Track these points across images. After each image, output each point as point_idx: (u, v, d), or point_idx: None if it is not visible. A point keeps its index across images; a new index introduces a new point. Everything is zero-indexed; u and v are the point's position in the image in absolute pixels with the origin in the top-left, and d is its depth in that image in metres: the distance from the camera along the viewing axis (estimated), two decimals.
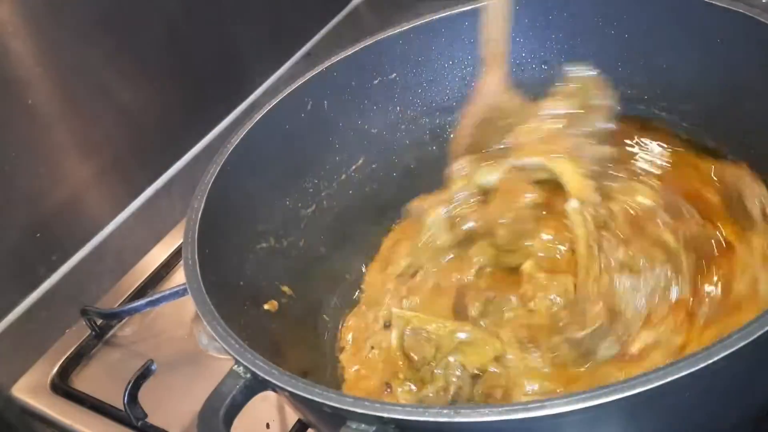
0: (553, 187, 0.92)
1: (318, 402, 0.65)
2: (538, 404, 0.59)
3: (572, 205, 0.89)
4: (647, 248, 0.85)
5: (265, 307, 0.94)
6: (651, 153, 1.03)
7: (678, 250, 0.85)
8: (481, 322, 0.89)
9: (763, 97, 0.93)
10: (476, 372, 0.85)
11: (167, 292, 1.07)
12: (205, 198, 0.89)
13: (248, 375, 0.71)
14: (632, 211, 0.89)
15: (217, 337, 0.73)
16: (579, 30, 1.08)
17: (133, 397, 0.95)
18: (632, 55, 1.06)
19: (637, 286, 0.83)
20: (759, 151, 0.96)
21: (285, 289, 0.99)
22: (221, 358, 1.09)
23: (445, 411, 0.60)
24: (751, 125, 0.96)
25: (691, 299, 0.83)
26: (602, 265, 0.85)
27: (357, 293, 1.05)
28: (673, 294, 0.83)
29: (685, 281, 0.83)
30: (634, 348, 0.81)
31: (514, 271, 0.92)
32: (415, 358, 0.89)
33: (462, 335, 0.86)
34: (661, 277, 0.83)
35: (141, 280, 1.26)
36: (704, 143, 1.02)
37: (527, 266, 0.90)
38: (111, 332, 1.21)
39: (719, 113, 1.00)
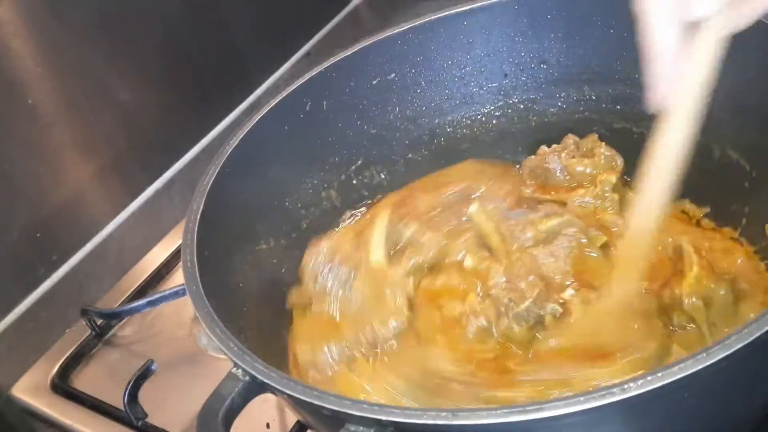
0: None
1: (316, 405, 0.65)
2: (536, 407, 0.59)
3: (472, 209, 0.99)
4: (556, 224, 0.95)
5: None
6: None
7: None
8: None
9: (763, 95, 0.93)
10: None
11: (167, 292, 1.07)
12: (204, 198, 0.89)
13: (247, 377, 0.71)
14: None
15: (216, 340, 0.73)
16: (579, 30, 1.08)
17: (133, 397, 0.95)
18: (632, 55, 1.05)
19: (554, 253, 0.92)
20: (759, 149, 0.97)
21: (285, 290, 0.99)
22: (221, 359, 1.09)
23: (443, 414, 0.61)
24: (750, 124, 0.96)
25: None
26: (519, 246, 0.94)
27: None
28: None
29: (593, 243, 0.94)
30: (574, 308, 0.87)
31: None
32: None
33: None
34: (573, 239, 0.93)
35: (141, 280, 1.26)
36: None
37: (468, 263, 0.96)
38: (111, 332, 1.21)
39: (718, 112, 1.00)
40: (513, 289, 0.89)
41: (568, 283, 0.90)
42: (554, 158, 1.05)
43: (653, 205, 0.75)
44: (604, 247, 0.94)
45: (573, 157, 1.05)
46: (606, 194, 1.00)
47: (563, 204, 1.02)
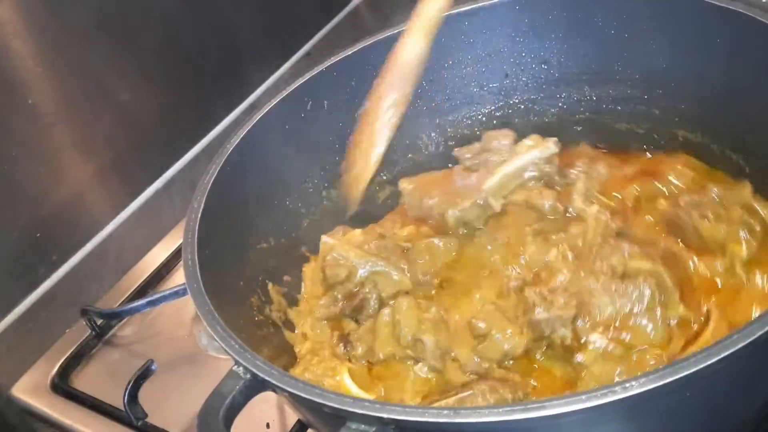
0: None
1: (318, 402, 0.65)
2: (538, 405, 0.59)
3: (592, 210, 0.96)
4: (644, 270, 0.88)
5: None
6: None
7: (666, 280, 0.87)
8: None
9: (763, 96, 0.93)
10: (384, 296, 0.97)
11: (167, 292, 1.07)
12: (205, 198, 0.89)
13: (248, 375, 0.71)
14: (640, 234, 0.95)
15: (216, 338, 0.73)
16: (579, 30, 1.08)
17: (133, 397, 0.95)
18: (632, 55, 1.06)
19: (618, 292, 0.86)
20: (757, 148, 0.97)
21: (285, 290, 1.00)
22: (221, 358, 1.09)
23: (444, 412, 0.61)
24: (750, 123, 0.97)
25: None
26: (594, 268, 0.88)
27: None
28: (651, 322, 0.85)
29: (665, 318, 0.86)
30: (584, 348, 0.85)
31: None
32: (329, 275, 0.99)
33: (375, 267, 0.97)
34: (643, 295, 0.85)
35: (141, 280, 1.26)
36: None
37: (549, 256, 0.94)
38: (111, 332, 1.21)
39: (719, 112, 1.00)
40: (547, 299, 0.87)
41: (609, 326, 0.85)
42: (687, 213, 0.94)
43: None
44: (681, 324, 0.86)
45: (705, 216, 0.93)
46: (735, 269, 0.89)
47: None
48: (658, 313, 0.85)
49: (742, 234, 0.90)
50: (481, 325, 0.89)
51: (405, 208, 1.10)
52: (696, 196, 0.95)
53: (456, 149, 1.10)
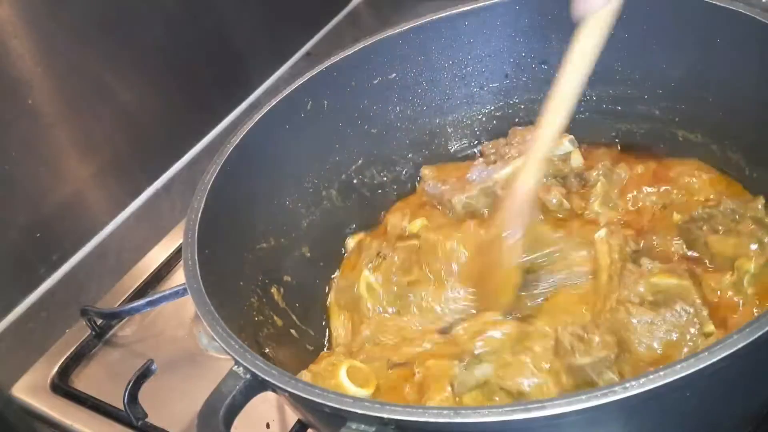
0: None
1: (318, 403, 0.65)
2: (539, 405, 0.59)
3: (600, 233, 0.91)
4: (672, 286, 0.84)
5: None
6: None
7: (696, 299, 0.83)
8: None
9: (763, 95, 0.93)
10: None
11: (167, 292, 1.07)
12: (205, 198, 0.89)
13: (248, 375, 0.71)
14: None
15: (217, 338, 0.73)
16: None
17: (133, 396, 0.95)
18: (632, 55, 1.06)
19: (654, 323, 0.81)
20: (757, 148, 0.97)
21: (284, 290, 1.00)
22: (221, 358, 1.09)
23: (445, 411, 0.61)
24: (750, 124, 0.97)
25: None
26: (620, 297, 0.84)
27: None
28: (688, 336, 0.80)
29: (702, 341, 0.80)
30: None
31: None
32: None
33: None
34: (681, 318, 0.81)
35: (141, 280, 1.26)
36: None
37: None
38: (111, 332, 1.21)
39: (719, 112, 1.00)
40: (582, 339, 0.79)
41: (653, 361, 0.79)
42: (698, 227, 0.91)
43: (566, 100, 0.88)
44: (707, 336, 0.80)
45: (716, 230, 0.90)
46: (742, 285, 0.85)
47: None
48: (699, 340, 0.80)
49: (752, 247, 0.86)
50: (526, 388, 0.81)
51: (421, 190, 1.12)
52: (708, 209, 0.91)
53: (482, 144, 1.14)
